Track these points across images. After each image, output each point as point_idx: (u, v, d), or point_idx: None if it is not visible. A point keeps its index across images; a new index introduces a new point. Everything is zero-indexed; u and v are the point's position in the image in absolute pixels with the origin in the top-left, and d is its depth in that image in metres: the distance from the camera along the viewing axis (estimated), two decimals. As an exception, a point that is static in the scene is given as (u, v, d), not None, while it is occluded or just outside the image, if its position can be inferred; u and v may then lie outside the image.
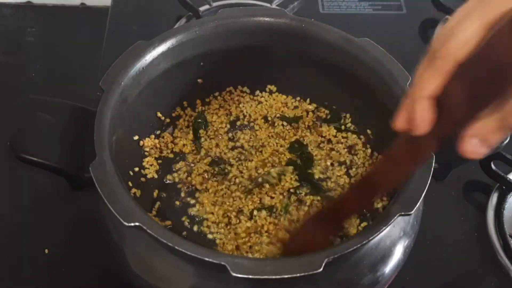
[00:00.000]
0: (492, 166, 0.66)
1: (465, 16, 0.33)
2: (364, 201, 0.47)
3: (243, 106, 0.67)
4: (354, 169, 0.63)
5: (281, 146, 0.65)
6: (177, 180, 0.62)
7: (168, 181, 0.62)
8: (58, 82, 0.79)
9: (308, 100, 0.67)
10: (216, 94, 0.67)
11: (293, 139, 0.66)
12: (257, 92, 0.67)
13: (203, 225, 0.59)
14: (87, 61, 0.81)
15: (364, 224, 0.57)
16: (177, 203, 0.61)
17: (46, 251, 0.62)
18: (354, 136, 0.65)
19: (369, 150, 0.64)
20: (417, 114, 0.35)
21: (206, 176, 0.63)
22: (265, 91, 0.67)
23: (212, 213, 0.60)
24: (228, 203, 0.60)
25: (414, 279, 0.61)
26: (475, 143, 0.35)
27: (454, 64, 0.33)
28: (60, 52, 0.84)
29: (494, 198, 0.67)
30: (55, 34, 0.87)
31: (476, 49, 0.33)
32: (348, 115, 0.66)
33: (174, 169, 0.63)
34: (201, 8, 0.84)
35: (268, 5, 0.84)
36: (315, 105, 0.67)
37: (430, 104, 0.35)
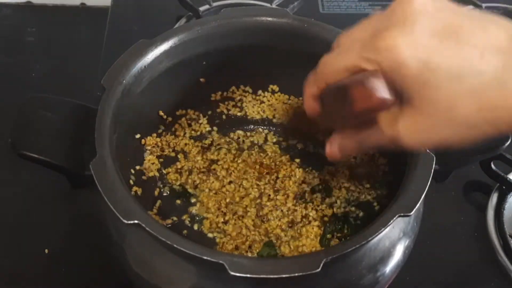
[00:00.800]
0: (492, 166, 0.66)
1: (346, 51, 0.41)
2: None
3: (245, 106, 0.67)
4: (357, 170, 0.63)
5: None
6: (178, 178, 0.62)
7: (169, 180, 0.62)
8: (58, 82, 0.78)
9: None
10: (219, 93, 0.67)
11: (294, 142, 0.66)
12: (260, 91, 0.67)
13: (203, 224, 0.59)
14: (87, 61, 0.81)
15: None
16: (178, 201, 0.61)
17: (46, 251, 0.62)
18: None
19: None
20: (305, 104, 0.47)
21: (207, 175, 0.63)
22: (268, 91, 0.67)
23: (212, 212, 0.60)
24: (228, 203, 0.60)
25: (414, 279, 0.61)
26: (334, 147, 0.47)
27: (325, 83, 0.43)
28: (60, 52, 0.84)
29: (494, 198, 0.67)
30: (55, 34, 0.87)
31: (338, 82, 0.42)
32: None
33: (175, 168, 0.63)
34: (201, 8, 0.84)
35: (268, 5, 0.84)
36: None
37: (313, 100, 0.46)
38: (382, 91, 0.38)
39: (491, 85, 0.35)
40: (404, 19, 0.37)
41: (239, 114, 0.67)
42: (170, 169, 0.63)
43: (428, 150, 0.49)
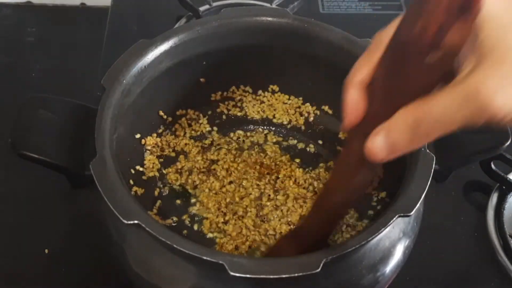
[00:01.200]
0: (492, 166, 0.66)
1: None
2: (330, 222, 0.49)
3: (245, 106, 0.67)
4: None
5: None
6: (178, 178, 0.62)
7: (169, 180, 0.62)
8: (58, 82, 0.78)
9: (310, 101, 0.68)
10: (219, 93, 0.67)
11: (295, 142, 0.67)
12: (260, 91, 0.67)
13: (203, 224, 0.59)
14: (87, 61, 0.81)
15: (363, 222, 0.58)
16: (178, 201, 0.61)
17: (46, 251, 0.62)
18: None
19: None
20: (348, 108, 0.36)
21: (207, 175, 0.63)
22: (268, 91, 0.67)
23: (212, 212, 0.60)
24: (228, 203, 0.60)
25: (414, 279, 0.61)
26: (380, 141, 0.34)
27: (361, 84, 0.35)
28: (60, 52, 0.84)
29: (494, 198, 0.67)
30: (55, 34, 0.87)
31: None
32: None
33: (175, 168, 0.63)
34: (201, 8, 0.84)
35: (268, 5, 0.84)
36: (316, 107, 0.67)
37: (359, 90, 0.36)
38: None
39: None
40: None
41: (239, 114, 0.67)
42: (170, 169, 0.63)
43: (428, 151, 0.49)
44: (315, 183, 0.62)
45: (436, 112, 0.31)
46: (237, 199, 0.61)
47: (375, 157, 0.35)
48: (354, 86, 0.36)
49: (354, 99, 0.36)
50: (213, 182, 0.62)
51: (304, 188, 0.62)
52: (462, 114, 0.30)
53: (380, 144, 0.34)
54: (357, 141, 0.37)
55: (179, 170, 0.63)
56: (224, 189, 0.62)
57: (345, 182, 0.43)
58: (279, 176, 0.63)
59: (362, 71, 0.36)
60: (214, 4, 0.85)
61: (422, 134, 0.32)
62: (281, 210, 0.60)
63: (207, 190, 0.62)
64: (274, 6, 0.84)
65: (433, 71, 0.32)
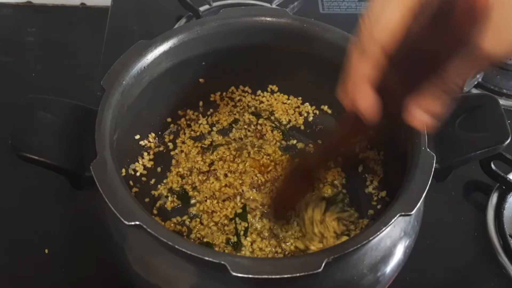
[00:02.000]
0: (492, 166, 0.66)
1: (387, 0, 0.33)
2: (327, 158, 0.54)
3: (246, 106, 0.67)
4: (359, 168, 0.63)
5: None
6: (178, 179, 0.62)
7: (169, 181, 0.62)
8: (58, 82, 0.78)
9: (309, 101, 0.68)
10: (218, 93, 0.67)
11: (294, 141, 0.67)
12: (259, 91, 0.67)
13: (203, 224, 0.59)
14: (87, 61, 0.81)
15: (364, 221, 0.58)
16: (178, 202, 0.61)
17: (46, 251, 0.61)
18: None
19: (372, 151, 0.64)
20: (360, 101, 0.36)
21: (207, 176, 0.63)
22: (267, 91, 0.67)
23: (212, 212, 0.60)
24: (228, 202, 0.60)
25: (414, 279, 0.61)
26: (420, 113, 0.36)
27: (380, 48, 0.34)
28: (60, 52, 0.84)
29: (494, 198, 0.67)
30: (55, 34, 0.87)
31: (402, 35, 0.33)
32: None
33: (175, 168, 0.63)
34: (201, 8, 0.84)
35: (268, 5, 0.84)
36: (315, 107, 0.67)
37: (371, 89, 0.35)
38: None
39: None
40: None
41: (238, 114, 0.67)
42: (169, 170, 0.63)
43: (428, 150, 0.49)
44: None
45: (461, 75, 0.35)
46: (237, 198, 0.61)
47: (422, 125, 0.37)
48: (363, 84, 0.36)
49: (366, 97, 0.36)
50: (212, 182, 0.62)
51: None
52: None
53: (424, 117, 0.36)
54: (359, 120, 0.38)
55: (178, 171, 0.63)
56: (223, 190, 0.61)
57: (343, 140, 0.47)
58: (278, 176, 0.63)
59: (366, 70, 0.35)
60: (214, 4, 0.85)
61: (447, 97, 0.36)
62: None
63: (206, 190, 0.62)
64: (274, 6, 0.84)
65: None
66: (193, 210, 0.60)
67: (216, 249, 0.57)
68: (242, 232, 0.58)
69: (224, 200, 0.60)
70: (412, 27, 0.33)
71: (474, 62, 0.34)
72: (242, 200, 0.60)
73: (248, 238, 0.58)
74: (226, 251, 0.57)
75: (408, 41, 0.33)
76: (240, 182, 0.62)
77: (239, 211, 0.60)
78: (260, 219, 0.59)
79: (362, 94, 0.36)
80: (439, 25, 0.32)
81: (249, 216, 0.59)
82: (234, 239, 0.58)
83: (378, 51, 0.34)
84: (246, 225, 0.59)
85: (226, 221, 0.59)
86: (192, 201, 0.61)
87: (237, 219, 0.59)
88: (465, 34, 0.32)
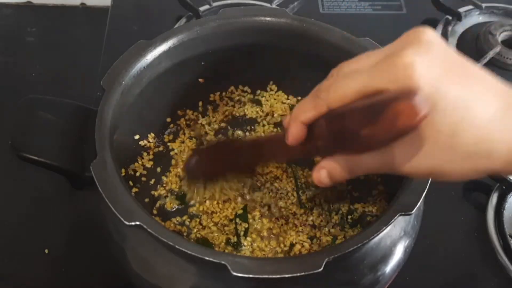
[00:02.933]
0: (492, 166, 0.66)
1: (354, 74, 0.39)
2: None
3: (244, 106, 0.67)
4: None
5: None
6: (177, 179, 0.62)
7: (168, 181, 0.62)
8: (58, 82, 0.79)
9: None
10: (218, 93, 0.67)
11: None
12: (258, 91, 0.67)
13: (203, 225, 0.59)
14: (87, 61, 0.82)
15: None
16: (178, 202, 0.61)
17: (46, 251, 0.62)
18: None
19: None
20: (290, 131, 0.43)
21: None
22: (266, 91, 0.67)
23: (212, 213, 0.60)
24: (228, 204, 0.60)
25: (414, 279, 0.61)
26: (323, 174, 0.44)
27: (327, 108, 0.40)
28: (60, 52, 0.84)
29: (494, 198, 0.67)
30: (55, 34, 0.87)
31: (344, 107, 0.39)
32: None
33: (174, 169, 0.63)
34: (201, 8, 0.84)
35: (268, 5, 0.84)
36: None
37: (303, 126, 0.42)
38: (425, 108, 0.35)
39: (492, 119, 0.37)
40: (418, 42, 0.37)
41: (238, 114, 0.67)
42: (169, 170, 0.63)
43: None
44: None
45: (366, 167, 0.42)
46: (237, 198, 0.61)
47: (319, 183, 0.44)
48: (298, 123, 0.42)
49: (297, 133, 0.43)
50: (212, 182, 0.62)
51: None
52: (383, 171, 0.42)
53: (324, 177, 0.44)
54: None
55: (178, 172, 0.63)
56: (223, 189, 0.61)
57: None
58: (278, 176, 0.63)
59: (306, 115, 0.42)
60: (214, 4, 0.85)
61: (356, 175, 0.44)
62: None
63: (205, 189, 0.61)
64: (274, 6, 0.84)
65: (365, 143, 0.39)
66: (193, 210, 0.60)
67: (216, 249, 0.57)
68: (242, 233, 0.58)
69: (224, 201, 0.60)
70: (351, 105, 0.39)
71: (383, 165, 0.41)
72: (240, 200, 0.60)
73: (248, 238, 0.58)
74: (226, 251, 0.57)
75: (343, 112, 0.40)
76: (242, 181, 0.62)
77: (240, 211, 0.60)
78: (259, 219, 0.59)
79: (295, 126, 0.43)
80: (370, 115, 0.37)
81: (249, 216, 0.59)
82: (234, 239, 0.58)
83: (325, 109, 0.41)
84: (247, 225, 0.59)
85: (226, 222, 0.59)
86: (192, 201, 0.61)
87: (237, 219, 0.59)
88: (385, 137, 0.37)
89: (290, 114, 0.44)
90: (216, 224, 0.59)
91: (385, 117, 0.36)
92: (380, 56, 0.39)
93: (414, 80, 0.36)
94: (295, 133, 0.43)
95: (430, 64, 0.36)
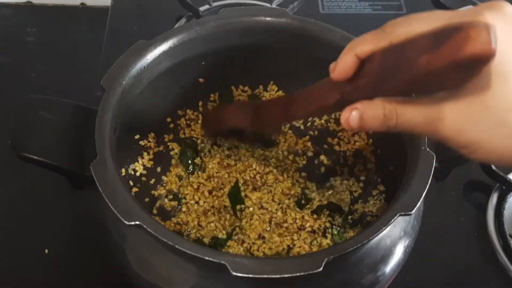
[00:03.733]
0: (492, 166, 0.66)
1: (427, 18, 0.37)
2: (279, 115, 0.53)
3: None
4: (357, 168, 0.63)
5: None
6: (177, 180, 0.62)
7: (168, 180, 0.62)
8: (58, 82, 0.78)
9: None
10: (218, 93, 0.67)
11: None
12: (258, 91, 0.67)
13: (201, 226, 0.59)
14: (87, 61, 0.81)
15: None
16: (178, 202, 0.61)
17: (46, 251, 0.62)
18: (356, 134, 0.65)
19: (370, 148, 0.64)
20: (341, 62, 0.40)
21: (206, 176, 0.63)
22: (266, 91, 0.67)
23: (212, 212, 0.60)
24: (227, 202, 0.60)
25: (414, 279, 0.61)
26: (355, 115, 0.40)
27: (389, 42, 0.38)
28: (60, 52, 0.84)
29: (494, 198, 0.67)
30: (55, 34, 0.87)
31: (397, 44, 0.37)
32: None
33: (174, 168, 0.63)
34: (201, 8, 0.84)
35: (268, 5, 0.84)
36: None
37: (355, 61, 0.40)
38: (495, 46, 0.33)
39: None
40: (503, 12, 0.36)
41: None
42: (169, 170, 0.63)
43: (428, 149, 0.49)
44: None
45: (405, 118, 0.39)
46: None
47: (346, 126, 0.41)
48: (352, 55, 0.40)
49: (347, 64, 0.40)
50: (211, 181, 0.62)
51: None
52: (420, 129, 0.39)
53: (354, 119, 0.40)
54: (334, 87, 0.43)
55: (177, 172, 0.63)
56: (222, 191, 0.61)
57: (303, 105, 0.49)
58: (278, 176, 0.63)
59: (364, 47, 0.39)
60: (214, 4, 0.85)
61: (389, 126, 0.39)
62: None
63: (205, 190, 0.61)
64: (274, 6, 0.84)
65: (419, 77, 0.36)
66: (191, 210, 0.60)
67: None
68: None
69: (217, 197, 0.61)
70: None
71: (425, 121, 0.38)
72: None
73: (247, 233, 0.58)
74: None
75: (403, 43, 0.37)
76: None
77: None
78: (258, 219, 0.59)
79: (348, 58, 0.40)
80: (433, 42, 0.35)
81: (244, 213, 0.60)
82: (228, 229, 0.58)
83: (386, 43, 0.38)
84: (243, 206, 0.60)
85: (221, 216, 0.59)
86: (191, 202, 0.61)
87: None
88: (445, 66, 0.34)
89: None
90: (212, 222, 0.59)
91: (451, 42, 0.33)
92: (457, 13, 0.36)
93: (491, 37, 0.33)
94: (345, 65, 0.40)
95: (509, 36, 0.35)
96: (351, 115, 0.40)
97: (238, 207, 0.59)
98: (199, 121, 0.66)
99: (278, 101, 0.55)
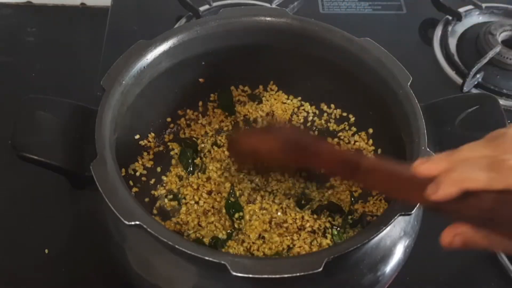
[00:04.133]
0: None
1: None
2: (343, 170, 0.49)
3: (245, 105, 0.67)
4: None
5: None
6: (177, 179, 0.62)
7: (168, 181, 0.62)
8: (58, 82, 0.78)
9: (308, 101, 0.68)
10: (217, 93, 0.67)
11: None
12: (258, 91, 0.67)
13: (201, 226, 0.59)
14: (87, 61, 0.81)
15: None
16: (177, 202, 0.61)
17: (46, 251, 0.62)
18: (356, 134, 0.65)
19: (371, 148, 0.64)
20: (444, 190, 0.39)
21: (205, 178, 0.63)
22: (266, 91, 0.67)
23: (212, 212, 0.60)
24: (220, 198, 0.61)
25: (414, 279, 0.61)
26: (457, 239, 0.43)
27: (505, 187, 0.38)
28: (60, 52, 0.84)
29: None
30: (55, 34, 0.87)
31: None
32: (350, 114, 0.65)
33: (174, 168, 0.63)
34: (201, 8, 0.84)
35: (268, 5, 0.84)
36: (315, 107, 0.67)
37: (459, 193, 0.39)
38: None
39: None
40: None
41: (238, 114, 0.67)
42: (169, 170, 0.63)
43: (428, 149, 0.49)
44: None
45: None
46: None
47: (449, 247, 0.43)
48: (458, 189, 0.39)
49: (450, 196, 0.39)
50: (211, 182, 0.62)
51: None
52: None
53: (458, 241, 0.43)
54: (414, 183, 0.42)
55: (177, 172, 0.63)
56: (221, 195, 0.61)
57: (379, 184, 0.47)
58: (278, 177, 0.63)
59: (476, 184, 0.38)
60: (214, 4, 0.85)
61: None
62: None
63: (205, 190, 0.61)
64: (274, 6, 0.84)
65: None
66: (191, 210, 0.60)
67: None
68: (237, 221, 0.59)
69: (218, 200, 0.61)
70: None
71: None
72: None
73: (247, 233, 0.58)
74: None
75: None
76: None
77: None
78: (257, 219, 0.59)
79: (453, 189, 0.39)
80: None
81: (248, 215, 0.60)
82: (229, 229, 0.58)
83: (500, 187, 0.38)
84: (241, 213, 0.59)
85: (221, 217, 0.59)
86: (191, 202, 0.61)
87: (231, 210, 0.60)
88: None
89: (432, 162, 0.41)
90: (211, 222, 0.59)
91: None
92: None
93: None
94: (448, 194, 0.39)
95: None
96: (455, 238, 0.43)
97: (236, 215, 0.59)
98: (199, 121, 0.66)
99: (340, 155, 0.51)
